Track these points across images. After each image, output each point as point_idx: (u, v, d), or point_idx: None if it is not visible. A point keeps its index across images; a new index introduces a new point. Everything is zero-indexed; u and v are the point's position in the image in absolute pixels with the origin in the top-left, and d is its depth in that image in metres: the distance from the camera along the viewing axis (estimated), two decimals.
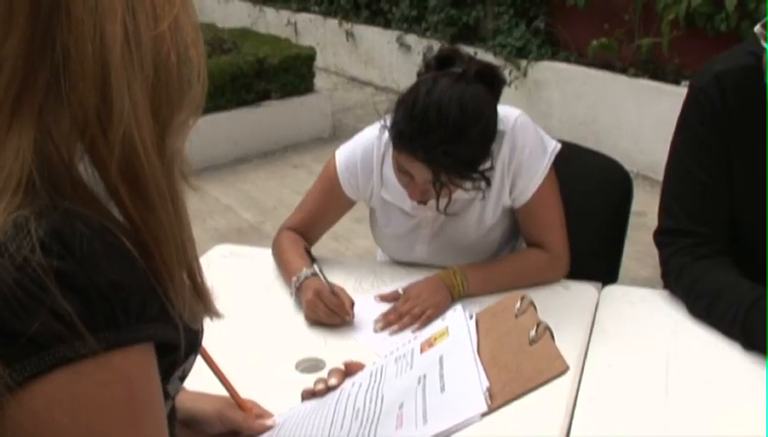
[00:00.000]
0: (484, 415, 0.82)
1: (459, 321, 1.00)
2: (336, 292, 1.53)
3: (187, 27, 0.67)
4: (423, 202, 1.57)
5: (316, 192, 1.78)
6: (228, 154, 4.93)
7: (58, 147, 0.62)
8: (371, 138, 1.69)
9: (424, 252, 1.73)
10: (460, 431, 0.87)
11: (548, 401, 1.25)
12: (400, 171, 1.53)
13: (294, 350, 1.44)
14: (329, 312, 1.51)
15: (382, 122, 1.57)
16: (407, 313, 1.53)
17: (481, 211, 1.66)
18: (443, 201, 1.53)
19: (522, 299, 0.94)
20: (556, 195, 1.64)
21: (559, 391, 1.28)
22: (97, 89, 0.61)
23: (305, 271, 1.58)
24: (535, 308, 0.93)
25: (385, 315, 1.54)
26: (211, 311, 0.74)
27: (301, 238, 1.74)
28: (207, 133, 4.71)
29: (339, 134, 5.40)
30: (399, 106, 1.49)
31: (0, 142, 0.60)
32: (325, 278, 1.56)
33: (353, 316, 1.53)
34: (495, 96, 1.52)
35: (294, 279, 1.59)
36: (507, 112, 1.60)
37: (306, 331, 1.53)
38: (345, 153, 1.72)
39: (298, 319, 1.57)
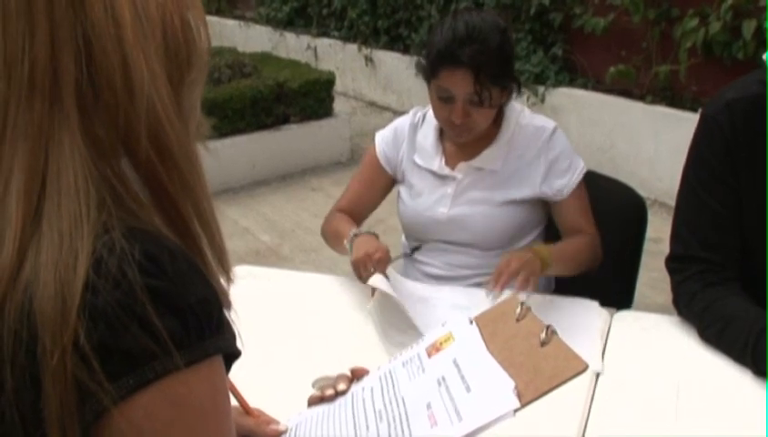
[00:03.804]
0: (516, 411, 0.85)
1: (461, 326, 1.03)
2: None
3: None
4: (463, 129, 1.73)
5: (358, 173, 2.00)
6: (247, 177, 4.98)
7: (105, 152, 0.65)
8: (406, 117, 1.97)
9: (444, 215, 1.83)
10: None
11: (558, 423, 1.27)
12: (441, 99, 1.72)
13: (311, 369, 1.46)
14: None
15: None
16: (516, 272, 1.55)
17: (506, 181, 1.80)
18: (483, 113, 1.71)
19: (522, 304, 0.98)
20: (584, 188, 1.84)
21: (570, 410, 1.30)
22: (119, 68, 0.64)
23: (353, 230, 1.76)
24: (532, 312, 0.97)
25: (497, 277, 1.55)
26: (228, 274, 0.77)
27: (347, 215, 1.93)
28: (227, 156, 4.76)
29: (358, 158, 5.42)
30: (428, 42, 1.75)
31: (50, 143, 0.63)
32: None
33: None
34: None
35: (345, 241, 1.76)
36: (546, 121, 1.84)
37: (322, 351, 1.55)
38: (382, 131, 1.99)
39: (315, 338, 1.59)
